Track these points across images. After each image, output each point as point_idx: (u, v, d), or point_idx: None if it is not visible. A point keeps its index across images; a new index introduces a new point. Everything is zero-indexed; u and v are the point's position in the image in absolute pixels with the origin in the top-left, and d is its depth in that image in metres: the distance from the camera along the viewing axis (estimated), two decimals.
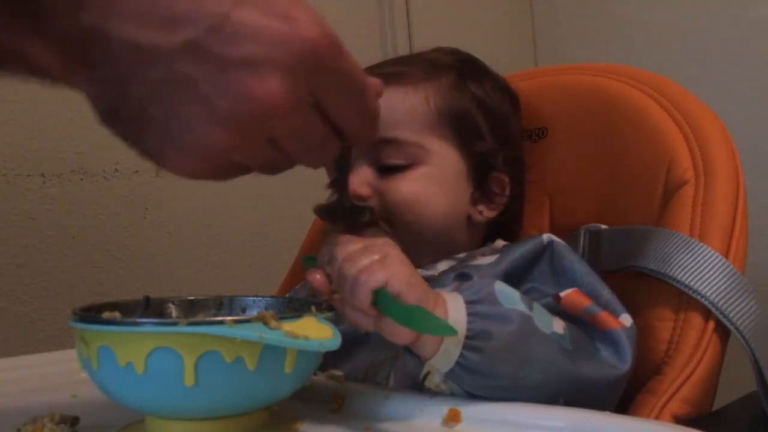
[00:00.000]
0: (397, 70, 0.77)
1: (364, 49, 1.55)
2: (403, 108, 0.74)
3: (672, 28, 1.59)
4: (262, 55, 0.42)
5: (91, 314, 0.51)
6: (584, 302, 0.63)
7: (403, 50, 1.49)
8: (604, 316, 0.62)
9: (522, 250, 0.69)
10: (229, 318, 0.47)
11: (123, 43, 0.42)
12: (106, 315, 0.51)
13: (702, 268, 0.68)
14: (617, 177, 0.80)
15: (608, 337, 0.61)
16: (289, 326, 0.47)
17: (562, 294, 0.63)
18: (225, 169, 0.48)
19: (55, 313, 1.10)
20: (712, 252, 0.68)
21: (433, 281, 0.63)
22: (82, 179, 1.14)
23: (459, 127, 0.75)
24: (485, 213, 0.77)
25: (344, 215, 0.60)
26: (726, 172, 0.73)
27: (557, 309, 0.62)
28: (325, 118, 0.48)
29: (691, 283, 0.67)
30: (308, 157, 0.49)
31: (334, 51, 0.44)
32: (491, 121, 0.77)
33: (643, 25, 1.64)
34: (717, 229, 0.70)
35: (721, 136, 0.75)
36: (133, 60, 0.42)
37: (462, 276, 0.65)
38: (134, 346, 0.46)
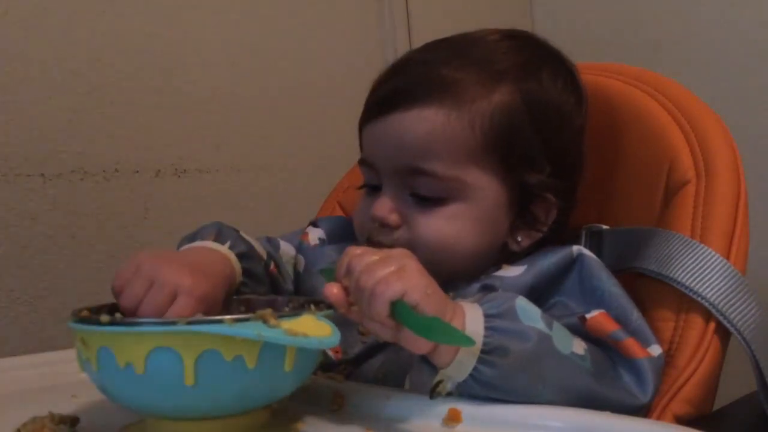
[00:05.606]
0: (448, 76, 0.68)
1: (364, 49, 1.55)
2: (444, 136, 0.66)
3: (672, 28, 1.59)
4: None
5: (90, 315, 0.51)
6: (610, 327, 0.62)
7: (402, 50, 1.49)
8: (629, 343, 0.61)
9: (549, 262, 0.67)
10: (228, 317, 0.47)
11: None
12: (105, 316, 0.51)
13: (703, 269, 0.67)
14: (618, 177, 0.80)
15: (631, 365, 0.61)
16: (288, 324, 0.47)
17: (588, 316, 0.62)
18: None
19: (55, 313, 1.09)
20: (713, 253, 0.68)
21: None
22: (82, 179, 1.14)
23: (507, 154, 0.68)
24: (524, 242, 0.71)
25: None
26: (727, 173, 0.72)
27: (581, 330, 0.62)
28: None
29: (692, 285, 0.67)
30: None
31: None
32: (547, 134, 0.69)
33: (643, 25, 1.63)
34: (718, 230, 0.70)
35: (723, 136, 0.75)
36: None
37: (486, 288, 0.65)
38: (133, 347, 0.46)
